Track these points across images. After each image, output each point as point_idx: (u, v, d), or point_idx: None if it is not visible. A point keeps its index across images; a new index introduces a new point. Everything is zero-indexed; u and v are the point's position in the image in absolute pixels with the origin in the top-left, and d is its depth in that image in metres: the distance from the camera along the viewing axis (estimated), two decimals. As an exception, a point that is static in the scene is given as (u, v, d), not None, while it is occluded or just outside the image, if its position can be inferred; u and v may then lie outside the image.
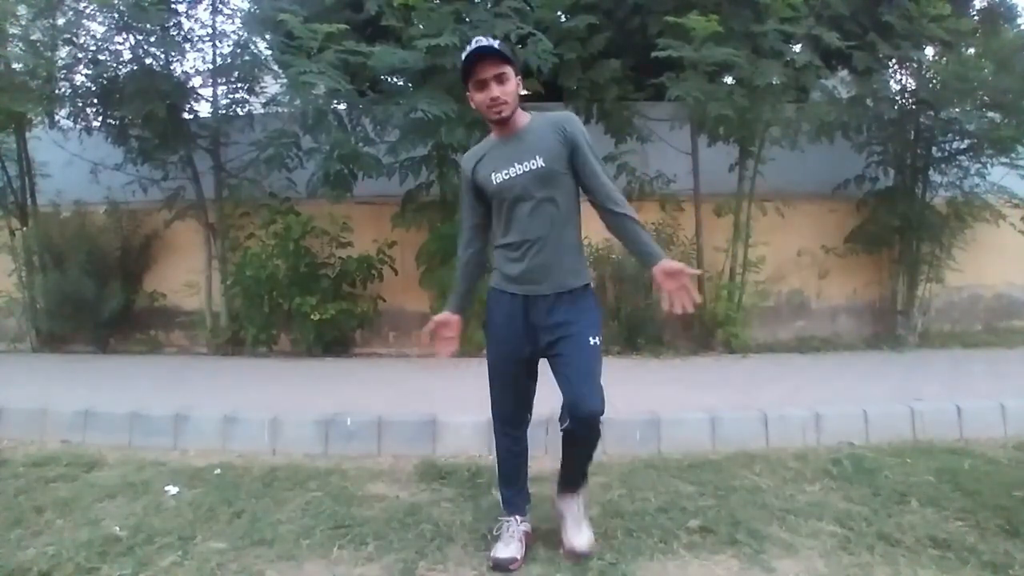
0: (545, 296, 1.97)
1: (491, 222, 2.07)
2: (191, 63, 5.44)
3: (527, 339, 2.00)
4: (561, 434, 2.04)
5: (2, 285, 5.84)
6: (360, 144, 4.90)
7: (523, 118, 1.99)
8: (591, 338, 1.94)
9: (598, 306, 2.06)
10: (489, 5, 4.82)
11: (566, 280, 1.97)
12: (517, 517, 2.12)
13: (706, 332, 5.39)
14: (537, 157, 1.92)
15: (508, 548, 2.02)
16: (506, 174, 1.94)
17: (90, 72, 5.21)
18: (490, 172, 1.97)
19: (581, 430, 1.94)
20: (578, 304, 1.97)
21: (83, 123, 5.39)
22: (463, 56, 1.90)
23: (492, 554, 2.02)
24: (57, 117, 5.68)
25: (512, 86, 1.91)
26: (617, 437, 3.07)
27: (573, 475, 2.10)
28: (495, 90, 1.88)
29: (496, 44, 1.88)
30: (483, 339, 5.53)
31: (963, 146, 5.39)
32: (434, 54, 4.42)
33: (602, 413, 1.92)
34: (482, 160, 2.02)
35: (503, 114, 1.91)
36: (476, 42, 1.89)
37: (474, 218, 2.09)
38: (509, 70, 1.89)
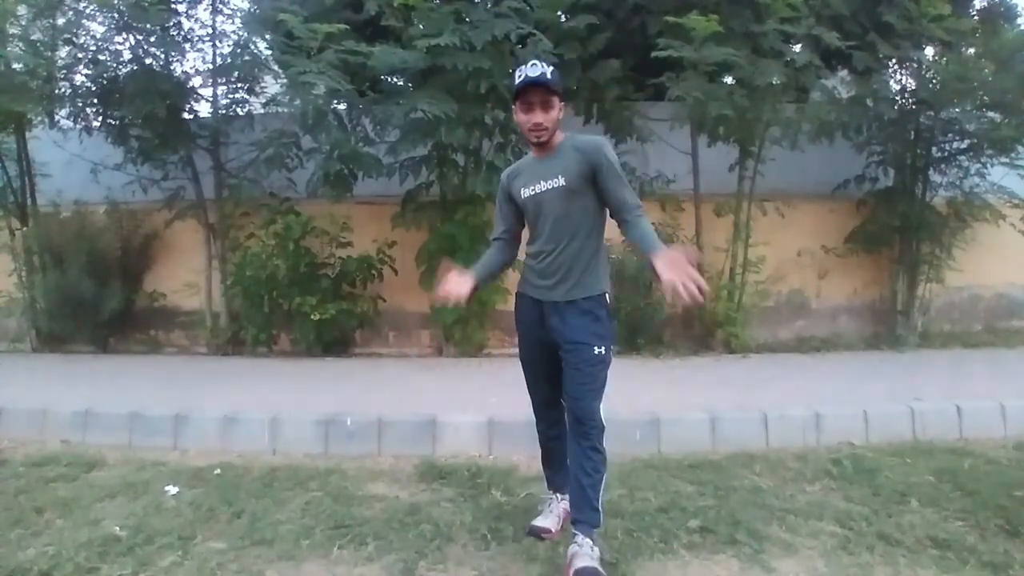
0: (557, 303, 2.09)
1: (521, 229, 2.27)
2: (191, 63, 5.46)
3: (546, 340, 2.13)
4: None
5: (2, 285, 5.85)
6: (360, 144, 4.91)
7: (558, 138, 2.12)
8: (596, 348, 2.03)
9: (611, 316, 2.12)
10: (489, 5, 4.82)
11: (576, 290, 2.07)
12: (558, 495, 2.29)
13: (706, 332, 5.39)
14: (560, 177, 2.05)
15: (546, 520, 2.22)
16: (532, 190, 2.11)
17: (90, 72, 5.21)
18: (520, 186, 2.15)
19: (576, 425, 2.04)
20: (589, 313, 2.06)
21: (83, 123, 5.39)
22: (517, 79, 2.04)
23: (532, 522, 2.21)
24: (57, 117, 5.69)
25: (555, 113, 2.06)
26: (617, 437, 3.04)
27: (581, 492, 1.98)
28: (539, 116, 2.03)
29: (549, 73, 2.02)
30: (483, 339, 5.59)
31: (963, 146, 5.40)
32: (434, 54, 4.42)
33: (596, 414, 2.02)
34: (518, 175, 2.19)
35: (542, 139, 2.07)
36: (532, 67, 2.03)
37: (505, 224, 2.26)
38: (555, 99, 2.05)
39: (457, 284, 2.13)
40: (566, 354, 2.05)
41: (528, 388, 2.28)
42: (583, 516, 1.97)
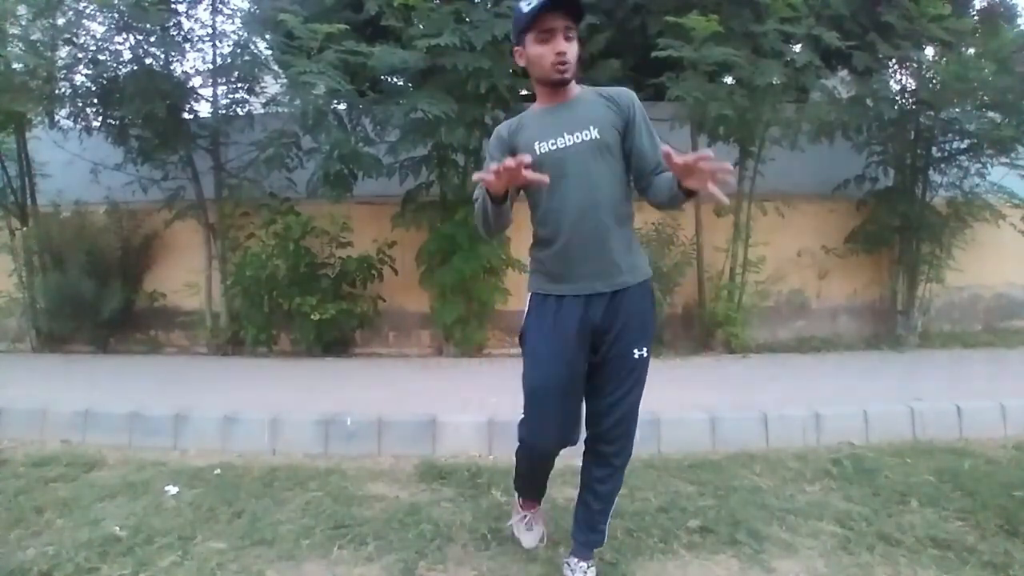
0: (601, 295, 1.70)
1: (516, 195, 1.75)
2: (191, 63, 5.45)
3: (578, 351, 1.72)
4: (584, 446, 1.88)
5: (2, 285, 5.84)
6: (360, 144, 4.90)
7: (575, 88, 1.75)
8: (636, 350, 1.73)
9: (653, 305, 1.81)
10: (489, 5, 4.82)
11: (621, 275, 1.70)
12: (534, 509, 2.15)
13: (706, 332, 5.39)
14: (591, 127, 1.66)
15: (534, 536, 2.12)
16: (553, 144, 1.67)
17: (90, 72, 5.20)
18: (533, 140, 1.69)
19: (598, 445, 1.82)
20: (633, 307, 1.72)
21: (83, 123, 5.38)
22: (525, 5, 1.62)
23: (525, 544, 2.10)
24: (57, 117, 5.67)
25: (576, 48, 1.67)
26: (617, 437, 3.07)
27: (590, 516, 1.85)
28: (563, 44, 1.62)
29: None
30: (482, 339, 5.54)
31: (963, 146, 5.39)
32: (434, 54, 4.42)
33: (626, 436, 1.80)
34: (521, 129, 1.75)
35: (566, 74, 1.66)
36: None
37: None
38: (576, 29, 1.67)
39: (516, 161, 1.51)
40: (604, 360, 1.73)
41: (530, 423, 1.80)
42: (585, 537, 1.86)
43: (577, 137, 1.66)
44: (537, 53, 1.66)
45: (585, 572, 1.85)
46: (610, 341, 1.71)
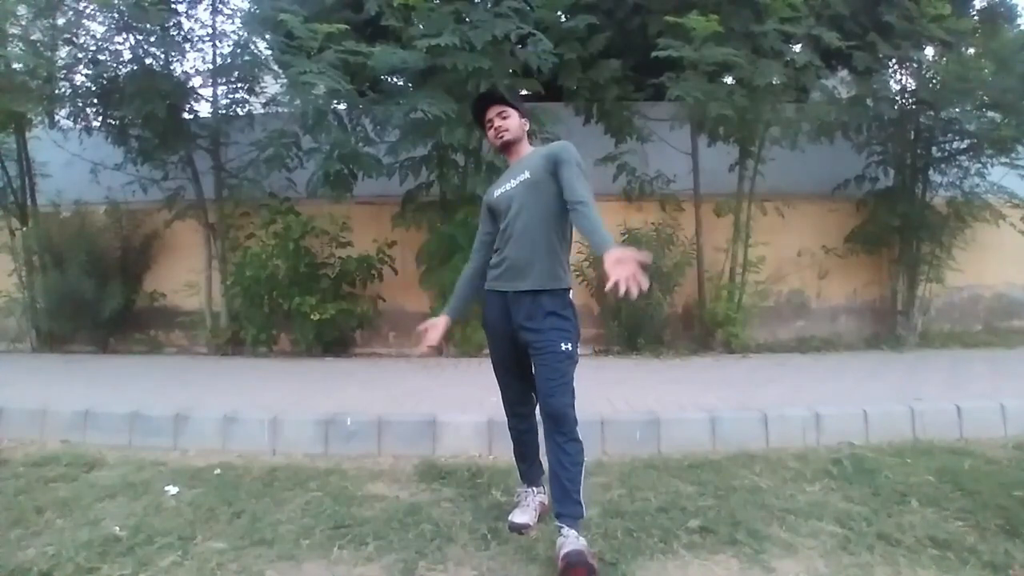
0: (524, 293, 2.14)
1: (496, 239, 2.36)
2: (191, 63, 5.48)
3: (513, 337, 2.21)
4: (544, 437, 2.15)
5: (2, 285, 5.85)
6: (360, 144, 4.91)
7: (526, 149, 2.34)
8: (563, 344, 2.11)
9: (575, 313, 2.20)
10: (489, 5, 4.82)
11: (543, 280, 2.14)
12: (533, 488, 2.36)
13: (706, 332, 5.39)
14: (526, 172, 2.22)
15: (524, 514, 2.28)
16: (504, 188, 2.28)
17: (90, 72, 5.22)
18: (495, 190, 2.32)
19: (550, 422, 2.09)
20: (555, 310, 2.13)
21: (83, 123, 5.40)
22: (471, 106, 2.37)
23: (510, 518, 2.27)
24: (57, 117, 5.69)
25: (513, 121, 2.29)
26: (617, 437, 3.07)
27: (562, 487, 2.04)
28: (497, 121, 2.29)
29: (498, 94, 2.35)
30: (483, 339, 5.56)
31: (963, 146, 5.40)
32: (434, 54, 4.42)
33: (570, 409, 2.09)
34: (494, 183, 2.39)
35: (504, 137, 2.29)
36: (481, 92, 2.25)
37: (483, 233, 2.38)
38: (509, 110, 2.30)
39: (432, 331, 2.31)
40: (536, 353, 2.12)
41: (499, 385, 2.36)
42: (566, 510, 2.02)
43: (517, 180, 2.23)
44: (488, 137, 2.36)
45: (577, 538, 1.96)
46: (536, 339, 2.11)
